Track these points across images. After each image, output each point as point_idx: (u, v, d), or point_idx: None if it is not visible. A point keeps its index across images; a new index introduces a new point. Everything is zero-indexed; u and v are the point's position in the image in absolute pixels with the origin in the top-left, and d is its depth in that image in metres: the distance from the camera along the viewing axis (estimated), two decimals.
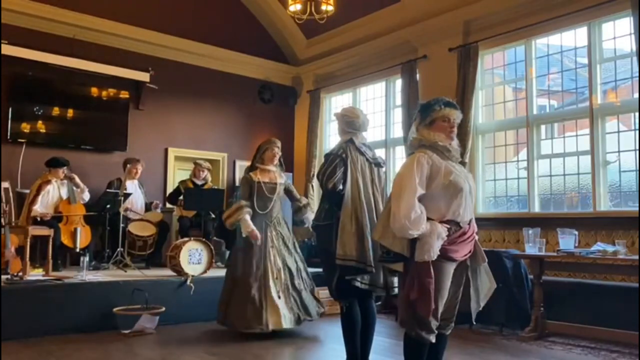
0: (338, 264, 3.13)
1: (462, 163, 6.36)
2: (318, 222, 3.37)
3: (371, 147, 3.57)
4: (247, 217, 4.55)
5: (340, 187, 3.21)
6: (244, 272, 4.57)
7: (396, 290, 3.24)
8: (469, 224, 2.71)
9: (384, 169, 3.58)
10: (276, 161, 4.81)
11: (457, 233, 2.65)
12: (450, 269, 2.66)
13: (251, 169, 4.82)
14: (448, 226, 2.61)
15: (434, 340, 2.66)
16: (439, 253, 2.56)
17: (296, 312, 4.64)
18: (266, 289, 4.55)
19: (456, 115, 2.78)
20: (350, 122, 3.46)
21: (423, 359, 2.71)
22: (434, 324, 2.63)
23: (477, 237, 2.82)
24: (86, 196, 6.32)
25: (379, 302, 3.52)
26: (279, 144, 4.86)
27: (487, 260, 2.81)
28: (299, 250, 5.01)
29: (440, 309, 2.65)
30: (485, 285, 2.80)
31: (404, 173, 2.66)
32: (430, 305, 2.54)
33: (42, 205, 5.94)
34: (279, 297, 4.59)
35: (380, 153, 7.93)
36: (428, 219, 2.59)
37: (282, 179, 4.86)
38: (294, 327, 4.62)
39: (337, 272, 3.19)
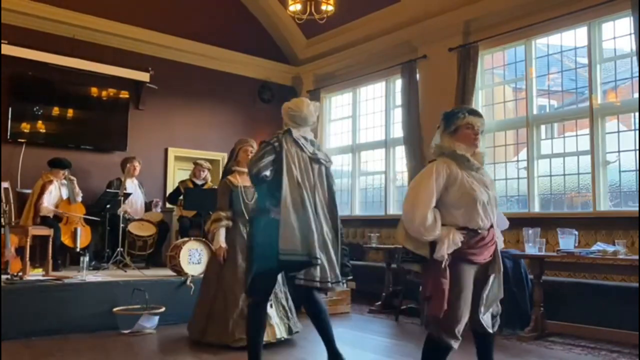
0: (281, 259, 3.00)
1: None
2: (256, 216, 3.27)
3: (316, 143, 3.37)
4: (222, 232, 4.27)
5: (266, 173, 3.11)
6: (229, 280, 4.27)
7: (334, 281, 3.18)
8: (488, 230, 2.73)
9: (327, 167, 3.39)
10: None
11: (475, 239, 2.68)
12: (470, 271, 2.67)
13: (227, 172, 4.48)
14: (464, 232, 2.65)
15: (456, 347, 2.66)
16: (458, 255, 2.62)
17: (286, 322, 4.40)
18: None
19: (480, 123, 2.80)
20: (292, 115, 3.31)
21: None
22: (457, 328, 2.63)
23: (499, 245, 2.85)
24: (78, 199, 6.31)
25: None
26: (253, 143, 4.50)
27: (502, 271, 2.83)
28: None
29: (466, 314, 2.65)
30: (494, 294, 2.81)
31: (421, 181, 2.71)
32: (443, 305, 2.55)
33: (47, 204, 5.95)
34: (270, 307, 4.27)
35: (380, 153, 8.02)
36: (444, 224, 2.65)
37: None
38: (287, 337, 4.36)
39: (254, 268, 3.12)
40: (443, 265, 2.58)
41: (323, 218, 3.23)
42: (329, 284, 3.14)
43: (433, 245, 2.65)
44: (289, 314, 4.46)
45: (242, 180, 4.37)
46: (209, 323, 4.33)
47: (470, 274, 2.68)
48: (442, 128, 2.86)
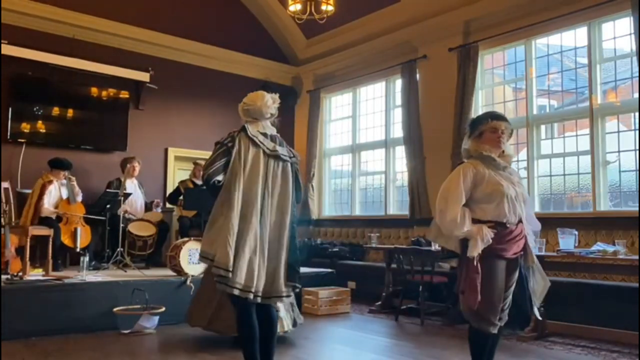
0: (199, 260, 2.94)
1: (462, 163, 6.37)
2: None
3: (278, 138, 3.17)
4: None
5: (218, 178, 2.97)
6: None
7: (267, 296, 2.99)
8: (516, 224, 2.93)
9: (292, 162, 3.17)
10: None
11: (503, 232, 2.88)
12: (501, 266, 2.90)
13: None
14: (494, 230, 2.85)
15: (494, 332, 2.92)
16: (488, 251, 2.81)
17: (291, 314, 4.49)
18: None
19: (505, 126, 3.00)
20: (246, 110, 3.13)
21: (485, 348, 2.98)
22: (493, 317, 2.88)
23: (531, 239, 3.04)
24: (78, 199, 6.31)
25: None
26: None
27: (536, 261, 3.05)
28: None
29: (499, 304, 2.89)
30: (540, 284, 3.06)
31: (450, 182, 2.95)
32: (476, 298, 2.78)
33: (48, 205, 5.96)
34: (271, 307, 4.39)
35: (380, 153, 8.02)
36: (474, 220, 2.87)
37: None
38: (291, 329, 4.46)
39: None
40: (475, 263, 2.79)
41: (270, 221, 3.01)
42: (251, 295, 2.88)
43: (464, 241, 2.87)
44: (292, 306, 4.55)
45: None
46: (218, 312, 4.30)
47: (502, 268, 2.90)
48: (468, 133, 3.07)
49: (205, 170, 3.00)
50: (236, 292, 2.86)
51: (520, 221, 2.95)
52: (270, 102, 3.15)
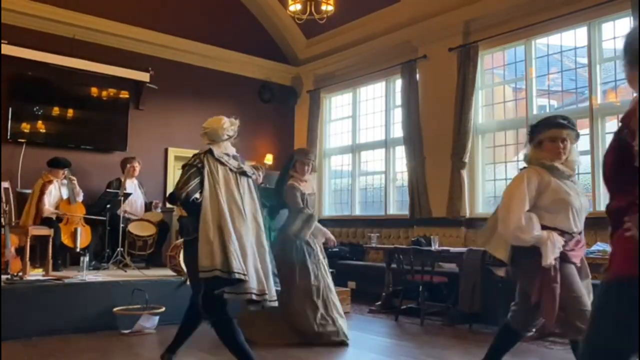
0: (202, 277, 2.99)
1: (462, 163, 6.38)
2: (187, 237, 3.25)
3: (239, 157, 3.45)
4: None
5: (197, 196, 3.12)
6: (306, 285, 4.43)
7: (272, 299, 3.16)
8: (579, 234, 2.84)
9: (253, 179, 3.47)
10: (308, 172, 4.70)
11: (573, 240, 2.78)
12: (574, 270, 2.78)
13: (287, 177, 4.63)
14: (563, 239, 2.72)
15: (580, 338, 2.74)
16: (561, 257, 2.70)
17: (343, 320, 4.61)
18: (329, 298, 4.51)
19: (566, 134, 2.81)
20: (205, 134, 3.40)
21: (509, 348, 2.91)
22: (580, 322, 2.67)
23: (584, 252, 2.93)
24: (79, 199, 6.32)
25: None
26: (312, 156, 4.83)
27: (590, 276, 2.92)
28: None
29: (586, 305, 2.70)
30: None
31: (513, 187, 2.82)
32: (555, 310, 2.64)
33: (48, 205, 5.96)
34: (339, 303, 4.61)
35: (380, 153, 8.03)
36: (543, 227, 2.71)
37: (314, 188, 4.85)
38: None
39: (203, 288, 3.08)
40: (553, 272, 2.65)
41: (253, 230, 3.23)
42: (266, 298, 3.09)
43: (515, 250, 2.75)
44: (341, 311, 4.67)
45: (305, 187, 4.63)
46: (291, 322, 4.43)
47: (576, 272, 2.78)
48: (529, 139, 2.93)
49: (181, 190, 3.13)
50: (254, 297, 3.03)
51: (580, 232, 2.84)
52: (227, 124, 3.40)
